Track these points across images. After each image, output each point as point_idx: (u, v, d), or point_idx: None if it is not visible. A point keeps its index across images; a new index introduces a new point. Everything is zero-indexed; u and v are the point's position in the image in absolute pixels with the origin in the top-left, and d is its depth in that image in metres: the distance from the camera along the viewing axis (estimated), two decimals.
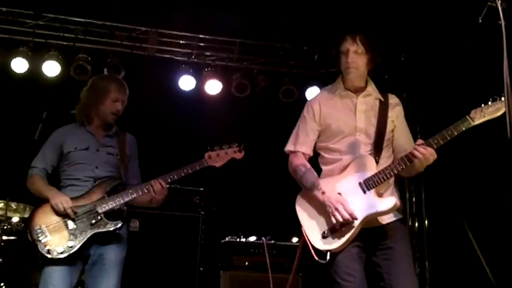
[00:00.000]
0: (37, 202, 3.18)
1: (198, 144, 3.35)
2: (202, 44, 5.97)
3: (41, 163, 3.30)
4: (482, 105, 2.64)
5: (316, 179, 2.91)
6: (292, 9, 5.40)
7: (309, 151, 3.05)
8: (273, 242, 5.05)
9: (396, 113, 2.97)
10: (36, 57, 5.59)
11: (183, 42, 5.93)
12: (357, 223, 2.71)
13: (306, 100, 4.96)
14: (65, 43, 5.67)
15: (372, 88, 3.01)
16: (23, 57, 5.51)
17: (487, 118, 2.60)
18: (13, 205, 4.35)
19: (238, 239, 5.13)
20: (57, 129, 3.40)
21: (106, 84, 3.36)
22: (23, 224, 4.33)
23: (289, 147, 3.08)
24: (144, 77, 5.83)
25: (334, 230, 2.75)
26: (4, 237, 4.21)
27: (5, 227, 4.28)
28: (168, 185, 3.18)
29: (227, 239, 5.18)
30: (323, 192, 2.81)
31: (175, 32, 5.89)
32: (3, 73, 5.53)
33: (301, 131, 3.05)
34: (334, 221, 2.70)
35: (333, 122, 2.96)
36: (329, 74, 5.68)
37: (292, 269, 3.74)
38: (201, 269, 5.03)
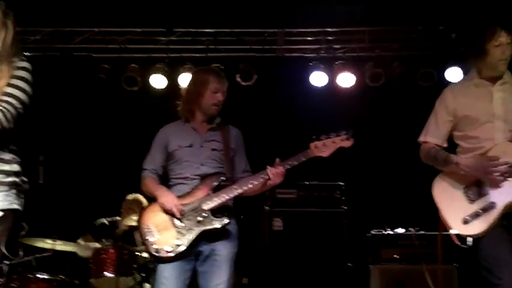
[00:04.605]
0: None
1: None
2: (330, 38, 6.15)
3: (150, 164, 3.41)
4: None
5: (448, 154, 3.05)
6: None
7: (440, 142, 3.15)
8: (422, 232, 5.11)
9: None
10: (172, 72, 6.11)
11: (311, 38, 6.17)
12: (500, 208, 2.84)
13: (446, 82, 5.15)
14: (198, 55, 6.15)
15: (508, 75, 3.09)
16: (161, 74, 6.07)
17: None
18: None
19: (384, 232, 5.23)
20: (161, 128, 3.51)
21: (204, 76, 3.46)
22: None
23: (420, 137, 3.21)
24: (276, 78, 6.21)
25: (476, 215, 2.87)
26: None
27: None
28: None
29: (373, 232, 5.25)
30: (457, 163, 2.97)
31: (302, 30, 6.15)
32: (143, 90, 6.14)
33: (432, 122, 3.18)
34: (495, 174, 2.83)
35: (469, 111, 3.04)
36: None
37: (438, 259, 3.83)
38: (349, 264, 5.20)
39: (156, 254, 3.19)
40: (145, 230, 3.25)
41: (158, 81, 6.19)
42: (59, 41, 6.11)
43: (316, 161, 3.29)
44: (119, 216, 5.08)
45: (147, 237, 3.23)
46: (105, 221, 5.00)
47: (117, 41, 6.19)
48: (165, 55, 6.23)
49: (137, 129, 5.83)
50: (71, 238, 4.76)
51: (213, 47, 6.25)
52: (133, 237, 4.82)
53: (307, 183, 5.48)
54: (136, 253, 4.55)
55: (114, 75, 6.15)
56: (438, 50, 6.10)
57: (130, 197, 5.17)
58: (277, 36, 6.27)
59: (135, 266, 4.46)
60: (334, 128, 3.28)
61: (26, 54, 2.72)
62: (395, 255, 5.13)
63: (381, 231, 5.30)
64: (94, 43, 6.20)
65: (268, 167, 3.22)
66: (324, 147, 3.22)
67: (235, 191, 3.24)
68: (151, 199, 3.40)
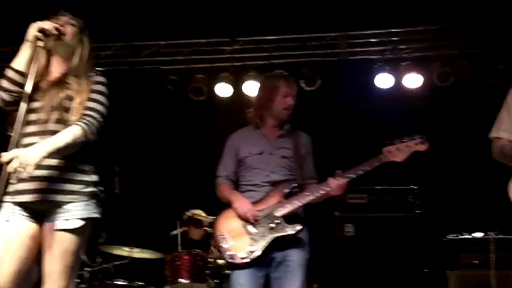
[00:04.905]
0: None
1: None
2: (395, 39, 6.02)
3: (223, 171, 3.43)
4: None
5: None
6: None
7: None
8: (501, 236, 4.86)
9: None
10: (237, 80, 6.19)
11: (375, 40, 6.06)
12: None
13: None
14: (261, 62, 6.19)
15: None
16: (226, 82, 6.16)
17: None
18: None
19: (462, 236, 5.02)
20: (232, 135, 3.52)
21: (274, 81, 3.46)
22: None
23: (492, 133, 3.03)
24: (340, 82, 6.12)
25: None
26: None
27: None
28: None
29: (450, 237, 5.06)
30: None
31: (365, 32, 6.06)
32: (209, 100, 6.25)
33: (505, 116, 3.02)
34: None
35: None
36: None
37: None
38: (426, 270, 5.03)
39: (231, 260, 3.20)
40: (220, 236, 3.27)
41: (224, 90, 6.29)
42: (129, 55, 6.28)
43: (386, 164, 3.22)
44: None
45: (221, 244, 3.25)
46: (178, 231, 5.09)
47: (183, 52, 6.31)
48: (229, 64, 6.30)
49: (205, 137, 5.89)
50: (147, 246, 4.87)
51: (276, 53, 6.24)
52: (207, 244, 4.88)
53: (379, 187, 5.35)
54: (210, 259, 4.58)
55: (181, 85, 6.26)
56: (508, 47, 5.81)
57: (185, 216, 5.21)
58: (339, 39, 6.19)
59: (209, 272, 4.50)
60: (404, 131, 3.20)
61: (99, 69, 2.80)
62: (474, 261, 4.89)
63: (458, 236, 5.10)
64: (161, 56, 6.35)
65: (330, 179, 3.19)
66: (398, 152, 3.15)
67: (307, 197, 3.22)
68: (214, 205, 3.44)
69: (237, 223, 3.25)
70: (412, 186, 5.40)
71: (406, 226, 5.27)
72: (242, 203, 3.25)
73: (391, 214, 5.32)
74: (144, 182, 6.20)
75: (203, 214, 5.13)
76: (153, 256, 4.88)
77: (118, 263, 4.73)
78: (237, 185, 3.44)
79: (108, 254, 4.76)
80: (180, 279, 4.45)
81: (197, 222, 5.16)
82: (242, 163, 3.39)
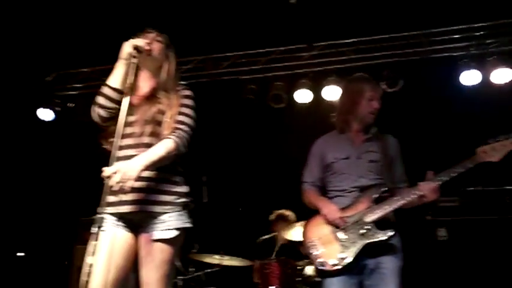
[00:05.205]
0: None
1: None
2: (480, 33, 5.76)
3: (309, 177, 3.41)
4: None
5: None
6: None
7: None
8: None
9: None
10: (316, 86, 6.12)
11: (458, 36, 5.84)
12: None
13: None
14: (340, 66, 6.07)
15: None
16: (306, 88, 6.12)
17: None
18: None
19: None
20: (317, 140, 3.48)
21: (358, 85, 3.40)
22: None
23: None
24: (423, 82, 5.91)
25: None
26: None
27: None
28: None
29: None
30: None
31: (447, 28, 5.84)
32: (289, 106, 6.21)
33: None
34: None
35: None
36: None
37: None
38: None
39: (322, 268, 3.15)
40: (309, 243, 3.24)
41: (303, 96, 6.26)
42: (209, 68, 6.40)
43: (477, 165, 3.08)
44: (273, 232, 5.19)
45: (311, 251, 3.21)
46: (265, 237, 5.12)
47: (261, 61, 6.34)
48: (308, 70, 6.26)
49: (287, 144, 5.89)
50: (236, 253, 4.92)
51: (355, 56, 6.14)
52: (294, 250, 4.87)
53: (470, 189, 5.11)
54: (299, 267, 4.56)
55: (261, 94, 6.29)
56: None
57: (272, 216, 5.26)
58: (420, 38, 5.99)
59: (299, 279, 4.47)
60: (495, 130, 3.06)
61: (182, 82, 2.85)
62: None
63: None
64: (240, 66, 6.41)
65: (421, 183, 3.09)
66: (493, 152, 3.01)
67: (398, 202, 3.12)
68: (300, 210, 3.40)
69: (326, 230, 3.21)
70: (508, 187, 5.11)
71: (502, 229, 5.03)
72: (330, 209, 3.20)
73: (487, 217, 5.06)
74: (230, 191, 6.27)
75: (290, 213, 5.15)
76: (243, 263, 4.92)
77: (209, 270, 4.81)
78: (324, 191, 3.39)
79: (199, 262, 4.84)
80: (270, 287, 4.43)
81: (285, 221, 5.18)
82: (329, 168, 3.34)
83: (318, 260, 3.16)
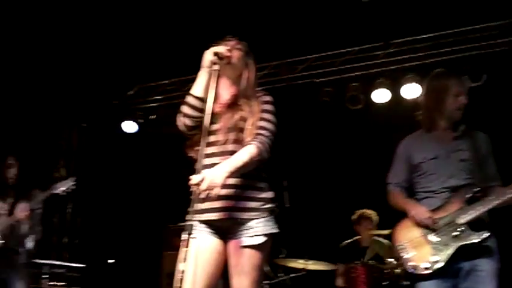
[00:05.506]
0: None
1: None
2: None
3: (394, 178, 3.30)
4: None
5: None
6: None
7: None
8: None
9: None
10: (394, 84, 5.99)
11: None
12: None
13: None
14: (418, 63, 5.93)
15: None
16: (383, 88, 6.01)
17: None
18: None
19: None
20: (402, 140, 3.35)
21: (443, 81, 3.27)
22: None
23: None
24: (508, 74, 5.62)
25: None
26: None
27: None
28: None
29: None
30: None
31: None
32: (366, 107, 6.10)
33: None
34: None
35: None
36: None
37: None
38: None
39: (413, 271, 3.05)
40: (399, 247, 3.14)
41: (381, 96, 6.14)
42: (284, 72, 6.41)
43: None
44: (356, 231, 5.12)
45: (402, 255, 3.11)
46: (348, 241, 5.06)
47: (336, 63, 6.27)
48: (385, 69, 6.14)
49: (367, 145, 5.77)
50: (317, 257, 4.88)
51: (432, 52, 5.94)
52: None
53: None
54: (386, 270, 4.45)
55: (337, 96, 6.21)
56: None
57: (354, 216, 5.19)
58: (501, 28, 5.68)
59: (385, 283, 4.36)
60: None
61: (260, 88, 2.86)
62: None
63: None
64: (315, 69, 6.37)
65: None
66: None
67: (493, 202, 2.98)
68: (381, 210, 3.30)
69: (416, 232, 3.11)
70: None
71: None
72: (419, 211, 3.10)
73: None
74: (311, 195, 6.23)
75: (372, 212, 5.05)
76: (327, 268, 4.86)
77: (294, 275, 4.80)
78: (410, 192, 3.27)
79: (283, 267, 4.85)
80: None
81: (367, 220, 5.09)
82: (417, 169, 3.22)
83: (409, 263, 3.06)
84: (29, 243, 4.27)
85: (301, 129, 6.47)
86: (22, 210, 3.95)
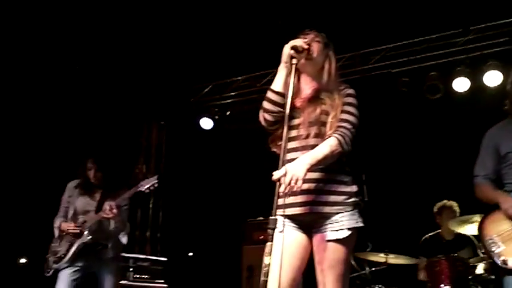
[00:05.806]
0: None
1: None
2: None
3: (481, 170, 3.19)
4: None
5: None
6: None
7: None
8: None
9: None
10: (475, 72, 5.79)
11: None
12: None
13: None
14: (499, 49, 5.69)
15: None
16: (463, 76, 5.81)
17: None
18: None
19: None
20: (489, 130, 3.25)
21: None
22: None
23: None
24: None
25: None
26: None
27: None
28: None
29: None
30: None
31: None
32: (446, 96, 5.95)
33: None
34: None
35: None
36: None
37: None
38: None
39: (504, 266, 2.94)
40: (489, 241, 3.03)
41: (461, 84, 5.93)
42: (359, 64, 6.29)
43: None
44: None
45: (492, 249, 3.00)
46: (430, 235, 4.94)
47: (413, 52, 6.09)
48: (464, 56, 5.91)
49: (448, 136, 5.58)
50: (399, 251, 4.78)
51: None
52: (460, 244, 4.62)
53: None
54: (471, 264, 4.29)
55: (415, 86, 6.04)
56: None
57: (435, 208, 5.04)
58: None
59: (471, 277, 4.20)
60: None
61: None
62: None
63: None
64: (391, 59, 6.22)
65: None
66: None
67: None
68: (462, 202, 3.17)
69: (507, 225, 2.99)
70: None
71: None
72: (511, 204, 2.98)
73: None
74: (391, 188, 6.11)
75: (453, 203, 4.89)
76: (408, 262, 4.76)
77: (374, 269, 4.73)
78: (499, 184, 3.14)
79: (364, 261, 4.80)
80: (441, 285, 4.22)
81: (449, 211, 4.93)
82: (505, 160, 3.09)
83: (500, 258, 2.95)
84: (123, 239, 4.45)
85: (379, 121, 6.34)
86: (109, 209, 4.12)
